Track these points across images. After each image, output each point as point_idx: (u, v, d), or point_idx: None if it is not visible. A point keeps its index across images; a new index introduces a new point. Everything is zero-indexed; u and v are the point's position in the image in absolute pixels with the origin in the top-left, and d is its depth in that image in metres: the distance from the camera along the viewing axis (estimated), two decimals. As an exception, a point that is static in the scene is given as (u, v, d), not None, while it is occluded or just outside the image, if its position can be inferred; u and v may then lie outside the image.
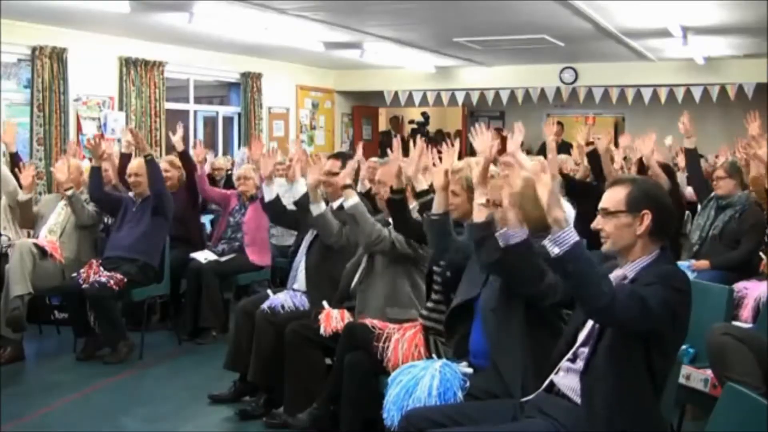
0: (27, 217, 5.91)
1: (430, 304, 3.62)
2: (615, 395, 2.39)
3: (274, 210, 4.81)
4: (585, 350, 2.52)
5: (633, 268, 2.50)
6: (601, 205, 2.57)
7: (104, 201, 5.87)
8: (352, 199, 3.97)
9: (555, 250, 2.29)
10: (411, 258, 3.90)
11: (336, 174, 4.46)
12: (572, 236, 2.29)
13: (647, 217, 2.47)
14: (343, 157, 4.69)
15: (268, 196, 4.73)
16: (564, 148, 11.91)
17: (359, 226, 3.93)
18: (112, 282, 5.32)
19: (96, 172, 5.76)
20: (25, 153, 8.35)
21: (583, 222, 2.72)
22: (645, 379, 2.39)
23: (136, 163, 5.86)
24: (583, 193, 5.44)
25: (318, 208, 4.31)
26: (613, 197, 2.54)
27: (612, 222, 2.52)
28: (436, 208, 3.33)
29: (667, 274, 2.40)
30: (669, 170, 6.18)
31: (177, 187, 6.31)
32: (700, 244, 5.30)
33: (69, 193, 5.72)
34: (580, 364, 2.52)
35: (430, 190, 3.58)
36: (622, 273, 2.53)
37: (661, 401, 2.47)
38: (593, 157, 6.07)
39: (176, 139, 6.35)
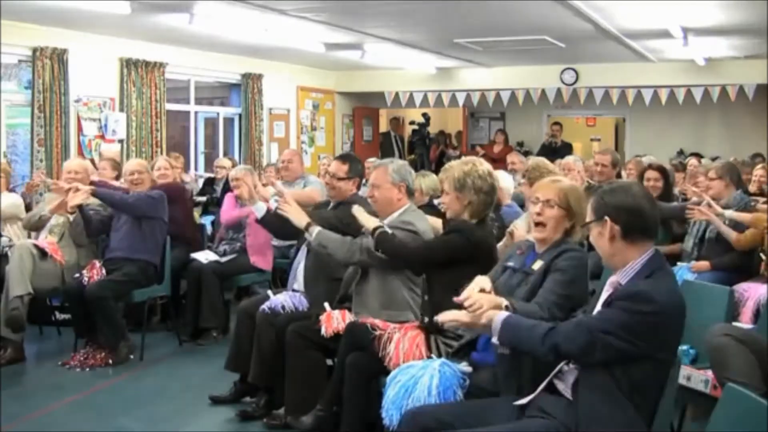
0: (37, 227, 5.90)
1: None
2: (597, 405, 2.44)
3: (268, 226, 4.72)
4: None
5: (623, 275, 2.53)
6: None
7: (102, 232, 5.82)
8: (313, 230, 3.94)
9: (495, 341, 2.62)
10: None
11: (342, 178, 4.45)
12: (498, 323, 2.59)
13: (608, 223, 2.53)
14: (349, 160, 4.60)
15: (258, 214, 4.62)
16: (565, 148, 11.97)
17: (331, 253, 3.92)
18: (112, 283, 5.33)
19: (82, 211, 5.59)
20: (26, 154, 8.37)
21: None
22: (625, 391, 2.42)
23: (135, 162, 5.96)
24: None
25: (309, 235, 4.00)
26: (588, 209, 2.65)
27: (591, 233, 2.63)
28: None
29: (628, 296, 2.44)
30: (664, 173, 6.19)
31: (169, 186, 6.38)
32: (698, 250, 5.30)
33: (72, 218, 5.68)
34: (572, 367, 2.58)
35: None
36: (615, 280, 2.57)
37: (654, 413, 2.47)
38: None
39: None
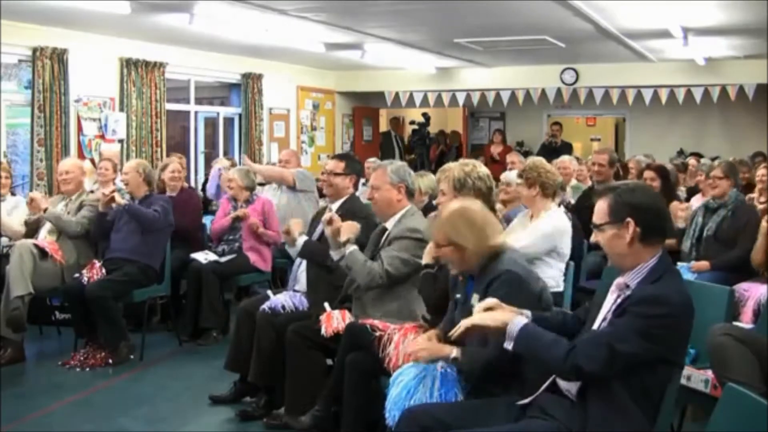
0: (31, 229, 5.88)
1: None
2: (605, 407, 2.42)
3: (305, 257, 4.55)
4: None
5: (633, 277, 2.51)
6: (593, 220, 2.60)
7: (103, 235, 5.79)
8: (348, 248, 3.86)
9: (507, 346, 2.49)
10: (410, 272, 3.87)
11: (339, 174, 4.46)
12: (514, 330, 2.46)
13: (631, 225, 2.47)
14: (347, 158, 4.62)
15: (294, 254, 4.55)
16: (565, 148, 11.97)
17: (354, 276, 3.90)
18: (112, 283, 5.33)
19: (101, 218, 5.65)
20: (26, 154, 8.37)
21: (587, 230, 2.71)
22: (634, 394, 2.41)
23: (130, 163, 5.98)
24: (582, 205, 5.45)
25: (343, 250, 3.88)
26: (599, 210, 2.56)
27: (602, 235, 2.55)
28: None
29: (641, 301, 2.40)
30: (663, 172, 6.18)
31: (179, 188, 6.52)
32: (696, 249, 5.30)
33: (45, 215, 5.64)
34: None
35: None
36: (623, 281, 2.53)
37: (658, 414, 2.47)
38: None
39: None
